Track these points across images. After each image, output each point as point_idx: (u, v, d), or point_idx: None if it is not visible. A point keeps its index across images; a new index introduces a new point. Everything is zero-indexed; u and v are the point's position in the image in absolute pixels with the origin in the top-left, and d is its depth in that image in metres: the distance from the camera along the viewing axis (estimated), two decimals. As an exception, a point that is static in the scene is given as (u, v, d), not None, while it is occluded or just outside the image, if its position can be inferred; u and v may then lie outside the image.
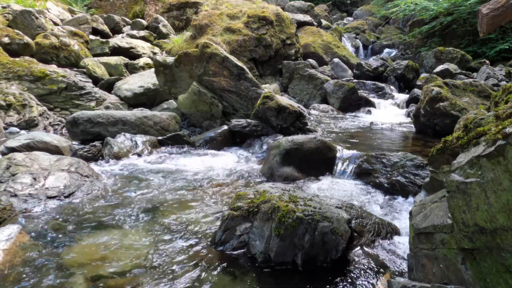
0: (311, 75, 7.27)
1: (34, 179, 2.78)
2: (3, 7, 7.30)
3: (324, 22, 13.84)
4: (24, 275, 1.79)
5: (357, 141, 4.23)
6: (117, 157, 3.87)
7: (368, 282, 1.81)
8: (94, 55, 7.62)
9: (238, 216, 2.12)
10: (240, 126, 4.49)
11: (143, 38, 8.95)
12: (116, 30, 9.51)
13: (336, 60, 9.59)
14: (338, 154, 3.54)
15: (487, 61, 8.43)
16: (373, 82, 7.91)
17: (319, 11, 15.27)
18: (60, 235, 2.21)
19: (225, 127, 4.60)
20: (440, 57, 8.51)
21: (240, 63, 5.18)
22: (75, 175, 2.99)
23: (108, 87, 6.47)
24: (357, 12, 17.55)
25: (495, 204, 1.21)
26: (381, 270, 1.92)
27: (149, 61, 7.48)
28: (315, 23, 12.04)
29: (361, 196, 2.96)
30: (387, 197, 2.95)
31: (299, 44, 9.36)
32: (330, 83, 6.82)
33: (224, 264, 1.92)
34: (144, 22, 9.96)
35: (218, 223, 2.24)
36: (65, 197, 2.75)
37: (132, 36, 8.88)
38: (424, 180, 2.54)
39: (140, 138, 4.25)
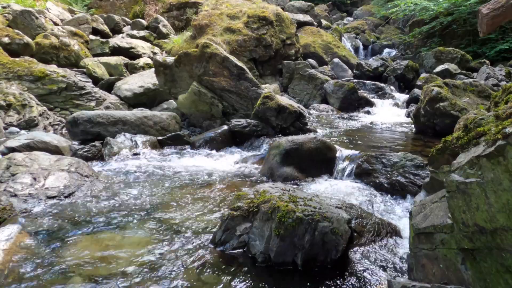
0: (311, 75, 7.27)
1: (34, 179, 2.78)
2: (3, 7, 7.30)
3: (324, 22, 13.83)
4: (24, 275, 1.79)
5: (357, 141, 4.23)
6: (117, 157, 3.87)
7: (368, 282, 1.81)
8: (94, 55, 7.61)
9: (238, 216, 2.12)
10: (240, 126, 4.49)
11: (143, 38, 8.94)
12: (116, 30, 9.50)
13: (336, 60, 9.59)
14: (338, 154, 3.54)
15: (487, 61, 8.41)
16: (373, 82, 7.90)
17: (319, 11, 15.26)
18: (60, 235, 2.21)
19: (225, 127, 4.60)
20: (440, 57, 8.50)
21: (240, 63, 5.18)
22: (75, 175, 2.99)
23: (108, 87, 6.46)
24: (357, 12, 17.53)
25: (495, 204, 1.21)
26: (381, 270, 1.92)
27: (149, 61, 7.47)
28: (315, 23, 12.04)
29: (361, 196, 2.96)
30: (387, 197, 2.95)
31: (299, 44, 9.36)
32: (330, 83, 6.82)
33: (224, 264, 1.92)
34: (144, 22, 9.95)
35: (218, 223, 2.24)
36: (65, 197, 2.75)
37: (132, 36, 8.87)
38: (424, 180, 2.54)
39: (140, 138, 4.25)
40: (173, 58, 5.47)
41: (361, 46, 13.07)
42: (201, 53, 5.12)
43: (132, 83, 6.29)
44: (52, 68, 5.96)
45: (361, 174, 3.26)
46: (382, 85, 7.76)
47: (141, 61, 7.46)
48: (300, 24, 11.03)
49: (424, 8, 11.13)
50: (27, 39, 6.54)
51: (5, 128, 4.70)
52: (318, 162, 3.45)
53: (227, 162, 3.93)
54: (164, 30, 9.58)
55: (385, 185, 3.03)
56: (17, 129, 4.76)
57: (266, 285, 1.76)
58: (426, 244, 1.58)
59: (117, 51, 7.88)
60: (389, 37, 13.73)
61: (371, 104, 6.66)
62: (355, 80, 8.11)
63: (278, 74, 8.44)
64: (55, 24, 8.26)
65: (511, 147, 1.16)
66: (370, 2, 18.01)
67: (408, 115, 5.86)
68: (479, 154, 1.27)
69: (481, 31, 2.79)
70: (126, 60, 7.52)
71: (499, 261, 1.24)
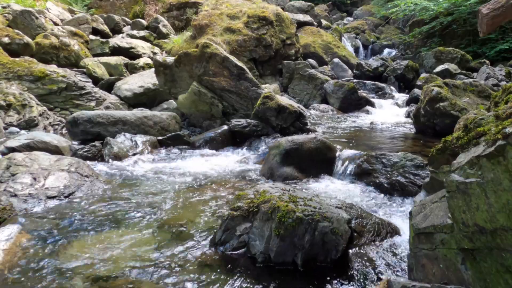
0: (311, 75, 7.26)
1: (34, 179, 2.78)
2: (3, 7, 7.30)
3: (324, 22, 13.84)
4: (24, 275, 1.79)
5: (357, 141, 4.23)
6: (117, 157, 3.87)
7: (368, 282, 1.81)
8: (94, 55, 7.61)
9: (238, 216, 2.12)
10: (240, 126, 4.49)
11: (143, 38, 8.95)
12: (116, 30, 9.51)
13: (336, 60, 9.60)
14: (338, 154, 3.54)
15: (487, 61, 8.42)
16: (373, 82, 7.91)
17: (319, 11, 15.27)
18: (60, 235, 2.21)
19: (225, 127, 4.60)
20: (440, 57, 8.50)
21: (240, 63, 5.18)
22: (75, 175, 2.99)
23: (108, 87, 6.46)
24: (357, 12, 17.54)
25: (495, 204, 1.21)
26: (381, 270, 1.92)
27: (149, 61, 7.47)
28: (315, 23, 12.05)
29: (361, 196, 2.96)
30: (387, 197, 2.95)
31: (299, 44, 9.36)
32: (330, 83, 6.82)
33: (224, 264, 1.92)
34: (144, 22, 9.95)
35: (218, 223, 2.24)
36: (65, 197, 2.75)
37: (132, 36, 8.87)
38: (424, 180, 2.54)
39: (140, 138, 4.25)
40: (173, 58, 5.47)
41: (361, 46, 13.08)
42: (201, 53, 5.12)
43: (132, 83, 6.29)
44: (52, 68, 5.96)
45: (361, 174, 3.26)
46: (382, 85, 7.78)
47: (141, 61, 7.46)
48: (300, 24, 11.04)
49: (424, 8, 11.14)
50: (27, 39, 6.54)
51: (5, 128, 4.70)
52: (318, 162, 3.45)
53: (227, 162, 3.93)
54: (164, 30, 9.58)
55: (385, 185, 3.03)
56: (17, 129, 4.76)
57: (266, 285, 1.76)
58: (426, 244, 1.58)
59: (117, 51, 7.88)
60: (389, 37, 13.74)
61: (371, 104, 6.66)
62: (355, 80, 8.12)
63: (278, 74, 8.44)
64: (55, 24, 8.26)
65: (511, 147, 1.16)
66: (370, 2, 18.02)
67: (408, 115, 5.86)
68: (479, 154, 1.27)
69: (481, 31, 2.79)
70: (126, 60, 7.52)
71: (499, 261, 1.24)
